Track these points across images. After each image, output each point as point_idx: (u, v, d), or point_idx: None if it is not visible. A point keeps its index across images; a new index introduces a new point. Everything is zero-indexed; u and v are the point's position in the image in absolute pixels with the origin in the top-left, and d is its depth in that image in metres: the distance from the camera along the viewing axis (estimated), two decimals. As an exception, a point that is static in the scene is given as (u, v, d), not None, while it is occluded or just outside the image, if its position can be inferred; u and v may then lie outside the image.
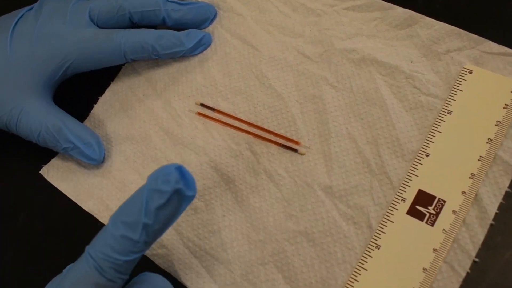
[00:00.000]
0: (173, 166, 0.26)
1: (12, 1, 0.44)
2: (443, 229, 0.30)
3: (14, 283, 0.37)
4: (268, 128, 0.37)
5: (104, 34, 0.39)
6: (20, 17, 0.39)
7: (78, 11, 0.39)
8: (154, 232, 0.27)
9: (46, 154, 0.40)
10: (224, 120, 0.38)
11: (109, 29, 0.39)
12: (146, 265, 0.33)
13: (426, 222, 0.31)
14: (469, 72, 0.34)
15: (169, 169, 0.26)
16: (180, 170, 0.27)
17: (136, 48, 0.38)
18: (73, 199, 0.38)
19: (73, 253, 0.36)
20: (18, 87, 0.38)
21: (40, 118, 0.37)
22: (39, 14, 0.39)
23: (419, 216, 0.31)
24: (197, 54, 0.41)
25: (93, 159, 0.38)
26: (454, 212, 0.31)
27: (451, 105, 0.34)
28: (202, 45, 0.40)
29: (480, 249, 0.30)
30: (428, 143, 0.33)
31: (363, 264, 0.31)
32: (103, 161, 0.39)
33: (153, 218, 0.27)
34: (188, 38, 0.39)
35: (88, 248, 0.28)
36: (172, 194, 0.26)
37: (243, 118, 0.38)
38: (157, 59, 0.41)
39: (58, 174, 0.40)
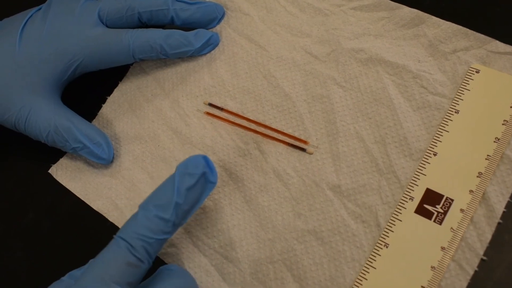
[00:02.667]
0: (200, 156, 0.31)
1: (19, 1, 0.44)
2: (451, 228, 0.31)
3: (24, 280, 0.37)
4: (276, 128, 0.37)
5: (112, 33, 0.39)
6: (28, 18, 0.39)
7: (87, 11, 0.39)
8: (182, 213, 0.30)
9: (54, 154, 0.40)
10: (232, 120, 0.38)
11: (118, 29, 0.39)
12: (156, 263, 0.34)
13: (434, 221, 0.31)
14: (476, 72, 0.35)
15: (197, 157, 0.31)
16: (206, 159, 0.31)
17: (144, 47, 0.39)
18: (82, 199, 0.39)
19: (81, 251, 0.36)
20: (27, 87, 0.38)
21: (49, 118, 0.38)
22: (47, 14, 0.39)
23: (427, 214, 0.32)
24: (205, 54, 0.41)
25: (103, 158, 0.38)
26: (461, 210, 0.31)
27: (458, 104, 0.34)
28: (210, 45, 0.41)
29: (487, 248, 0.30)
30: (435, 142, 0.33)
31: (371, 262, 0.31)
32: (112, 161, 0.39)
33: (184, 198, 0.30)
34: (196, 38, 0.40)
35: (117, 234, 0.29)
36: (200, 176, 0.30)
37: (251, 118, 0.38)
38: (165, 59, 0.41)
39: (66, 174, 0.40)
